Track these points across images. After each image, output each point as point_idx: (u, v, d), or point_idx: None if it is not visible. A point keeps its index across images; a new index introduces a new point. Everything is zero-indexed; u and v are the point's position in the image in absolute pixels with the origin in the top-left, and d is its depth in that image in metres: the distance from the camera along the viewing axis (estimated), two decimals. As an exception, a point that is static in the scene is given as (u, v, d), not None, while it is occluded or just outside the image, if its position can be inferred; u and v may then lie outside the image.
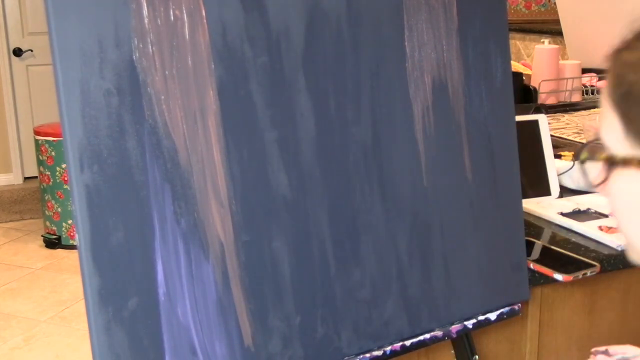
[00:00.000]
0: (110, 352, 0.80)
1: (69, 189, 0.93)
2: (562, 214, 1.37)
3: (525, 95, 1.95)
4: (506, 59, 1.08)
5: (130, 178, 0.80)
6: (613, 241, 1.23)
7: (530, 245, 1.21)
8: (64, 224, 3.90)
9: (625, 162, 0.57)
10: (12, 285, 3.48)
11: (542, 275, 1.15)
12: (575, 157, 0.63)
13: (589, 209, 1.39)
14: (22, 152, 4.78)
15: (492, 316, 1.09)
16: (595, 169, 0.61)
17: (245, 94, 0.86)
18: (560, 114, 2.01)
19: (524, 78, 1.99)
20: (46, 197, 3.92)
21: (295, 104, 0.90)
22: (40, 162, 3.93)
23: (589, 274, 1.14)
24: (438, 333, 1.03)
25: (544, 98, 2.00)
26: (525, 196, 1.34)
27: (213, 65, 0.84)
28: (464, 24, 1.02)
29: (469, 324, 1.06)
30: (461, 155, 1.04)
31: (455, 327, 1.05)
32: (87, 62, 0.77)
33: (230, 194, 0.86)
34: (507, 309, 1.10)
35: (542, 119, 1.48)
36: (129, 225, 0.80)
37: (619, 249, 1.22)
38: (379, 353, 0.98)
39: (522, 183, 1.12)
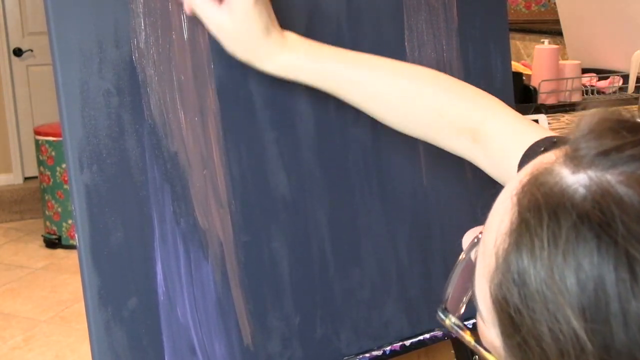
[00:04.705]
0: (110, 352, 0.80)
1: (68, 189, 0.93)
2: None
3: (525, 95, 1.94)
4: (506, 59, 1.08)
5: (129, 178, 0.80)
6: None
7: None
8: (64, 224, 3.90)
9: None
10: (12, 285, 3.48)
11: (542, 275, 1.14)
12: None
13: (588, 209, 1.39)
14: (22, 152, 4.77)
15: (492, 316, 1.09)
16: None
17: (245, 94, 0.86)
18: (560, 114, 2.00)
19: (524, 78, 1.98)
20: (46, 197, 3.92)
21: (295, 104, 0.90)
22: (40, 162, 3.93)
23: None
24: (438, 333, 1.03)
25: (544, 98, 2.00)
26: (525, 196, 1.34)
27: (213, 65, 0.84)
28: (464, 24, 1.02)
29: (469, 324, 1.06)
30: (461, 155, 1.04)
31: (455, 327, 1.05)
32: (87, 62, 0.77)
33: (230, 194, 0.86)
34: (507, 309, 1.10)
35: (542, 119, 1.48)
36: (129, 225, 0.80)
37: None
38: (378, 353, 0.98)
39: (522, 183, 1.11)
